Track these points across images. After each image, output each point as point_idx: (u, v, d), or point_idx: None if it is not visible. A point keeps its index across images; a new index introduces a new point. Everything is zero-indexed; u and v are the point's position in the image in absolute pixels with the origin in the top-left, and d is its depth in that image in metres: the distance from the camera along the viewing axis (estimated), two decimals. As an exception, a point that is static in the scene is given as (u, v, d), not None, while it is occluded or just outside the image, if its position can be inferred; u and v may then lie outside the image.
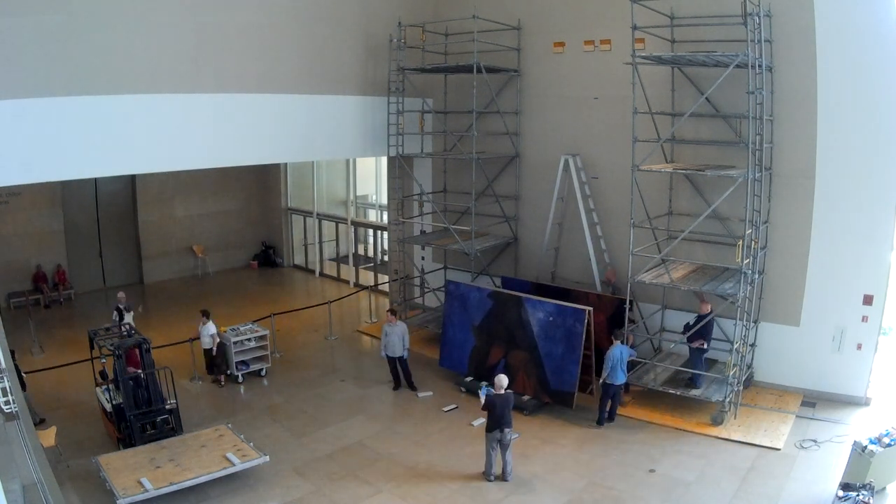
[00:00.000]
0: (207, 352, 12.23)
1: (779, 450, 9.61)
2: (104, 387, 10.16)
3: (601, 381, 10.42)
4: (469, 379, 12.07)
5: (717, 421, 10.33)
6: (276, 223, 21.87)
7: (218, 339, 12.25)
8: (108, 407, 9.90)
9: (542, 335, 11.22)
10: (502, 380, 9.08)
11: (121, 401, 9.58)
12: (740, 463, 9.33)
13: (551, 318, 11.13)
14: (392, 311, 12.32)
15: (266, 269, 21.54)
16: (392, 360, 12.02)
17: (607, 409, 10.53)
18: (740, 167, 10.37)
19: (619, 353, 10.30)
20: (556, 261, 13.76)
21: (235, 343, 12.34)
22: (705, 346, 10.86)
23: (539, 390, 11.18)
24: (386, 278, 17.70)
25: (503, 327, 11.79)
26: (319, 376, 12.80)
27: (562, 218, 13.38)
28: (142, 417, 9.59)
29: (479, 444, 10.04)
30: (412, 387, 12.09)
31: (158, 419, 9.73)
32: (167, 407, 9.87)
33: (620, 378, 10.33)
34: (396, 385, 12.20)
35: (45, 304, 17.09)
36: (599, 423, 10.51)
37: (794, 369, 11.33)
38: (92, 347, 10.51)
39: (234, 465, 8.85)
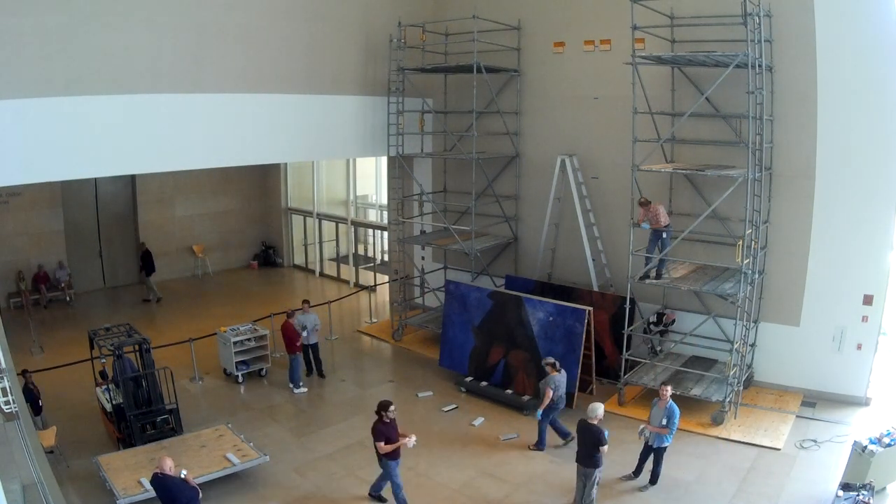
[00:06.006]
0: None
1: (779, 450, 9.62)
2: (104, 387, 10.16)
3: None
4: (469, 379, 12.07)
5: (717, 421, 10.33)
6: (276, 223, 21.86)
7: None
8: (108, 407, 9.91)
9: (542, 335, 11.21)
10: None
11: (121, 401, 9.59)
12: (740, 463, 9.33)
13: (551, 318, 11.12)
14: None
15: (266, 269, 21.53)
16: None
17: None
18: (740, 167, 10.36)
19: None
20: (553, 262, 13.76)
21: (235, 343, 12.33)
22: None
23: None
24: (386, 278, 17.70)
25: (503, 327, 11.79)
26: (319, 376, 12.78)
27: (559, 219, 13.38)
28: (142, 417, 9.59)
29: (479, 444, 10.05)
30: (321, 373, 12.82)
31: (158, 419, 9.73)
32: (167, 407, 9.87)
33: None
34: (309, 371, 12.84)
35: (45, 305, 17.07)
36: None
37: (794, 369, 11.34)
38: (92, 347, 10.50)
39: (234, 465, 8.85)
